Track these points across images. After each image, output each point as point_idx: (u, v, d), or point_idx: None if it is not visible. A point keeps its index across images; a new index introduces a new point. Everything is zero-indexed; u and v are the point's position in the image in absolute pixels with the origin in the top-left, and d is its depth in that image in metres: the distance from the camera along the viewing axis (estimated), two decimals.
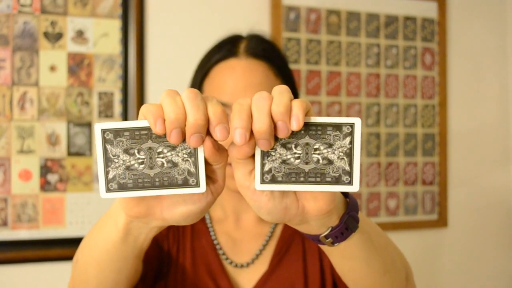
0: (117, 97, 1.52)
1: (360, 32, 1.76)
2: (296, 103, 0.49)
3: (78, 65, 1.49)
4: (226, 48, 0.87)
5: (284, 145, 0.50)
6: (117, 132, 0.49)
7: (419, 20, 1.83)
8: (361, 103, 1.75)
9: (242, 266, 0.87)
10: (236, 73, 0.83)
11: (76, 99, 1.49)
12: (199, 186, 0.50)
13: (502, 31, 1.96)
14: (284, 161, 0.50)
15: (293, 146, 0.50)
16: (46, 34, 1.47)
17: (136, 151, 0.49)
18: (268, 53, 0.87)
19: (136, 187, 0.49)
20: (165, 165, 0.50)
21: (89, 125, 1.49)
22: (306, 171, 0.50)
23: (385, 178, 1.77)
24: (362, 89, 1.75)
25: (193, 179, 0.50)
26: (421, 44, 1.83)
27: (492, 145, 1.94)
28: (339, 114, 1.73)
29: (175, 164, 0.50)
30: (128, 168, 0.49)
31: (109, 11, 1.52)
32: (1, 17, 1.44)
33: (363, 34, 1.76)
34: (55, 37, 1.48)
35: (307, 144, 0.50)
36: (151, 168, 0.50)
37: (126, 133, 0.49)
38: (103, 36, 1.51)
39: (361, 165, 0.55)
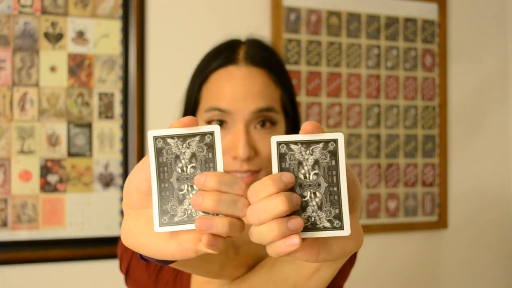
0: (117, 97, 1.52)
1: (361, 34, 1.76)
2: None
3: (78, 66, 1.49)
4: (225, 55, 0.85)
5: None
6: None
7: (419, 22, 1.83)
8: (361, 105, 1.75)
9: None
10: (236, 81, 0.83)
11: (77, 100, 1.49)
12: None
13: (502, 33, 1.96)
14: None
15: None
16: (46, 35, 1.47)
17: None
18: (267, 61, 0.86)
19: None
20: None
21: (89, 125, 1.49)
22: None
23: (385, 180, 1.77)
24: (362, 90, 1.75)
25: None
26: (421, 45, 1.83)
27: (492, 146, 1.94)
28: (340, 115, 1.73)
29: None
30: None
31: (109, 12, 1.52)
32: (2, 17, 1.44)
33: (363, 35, 1.76)
34: (55, 38, 1.48)
35: None
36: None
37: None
38: (104, 37, 1.51)
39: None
